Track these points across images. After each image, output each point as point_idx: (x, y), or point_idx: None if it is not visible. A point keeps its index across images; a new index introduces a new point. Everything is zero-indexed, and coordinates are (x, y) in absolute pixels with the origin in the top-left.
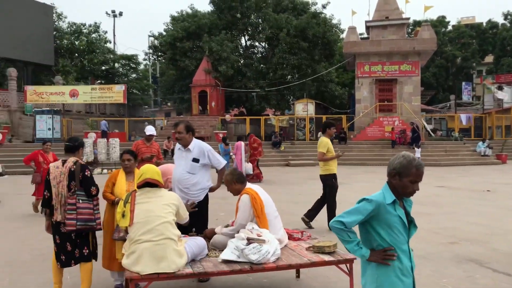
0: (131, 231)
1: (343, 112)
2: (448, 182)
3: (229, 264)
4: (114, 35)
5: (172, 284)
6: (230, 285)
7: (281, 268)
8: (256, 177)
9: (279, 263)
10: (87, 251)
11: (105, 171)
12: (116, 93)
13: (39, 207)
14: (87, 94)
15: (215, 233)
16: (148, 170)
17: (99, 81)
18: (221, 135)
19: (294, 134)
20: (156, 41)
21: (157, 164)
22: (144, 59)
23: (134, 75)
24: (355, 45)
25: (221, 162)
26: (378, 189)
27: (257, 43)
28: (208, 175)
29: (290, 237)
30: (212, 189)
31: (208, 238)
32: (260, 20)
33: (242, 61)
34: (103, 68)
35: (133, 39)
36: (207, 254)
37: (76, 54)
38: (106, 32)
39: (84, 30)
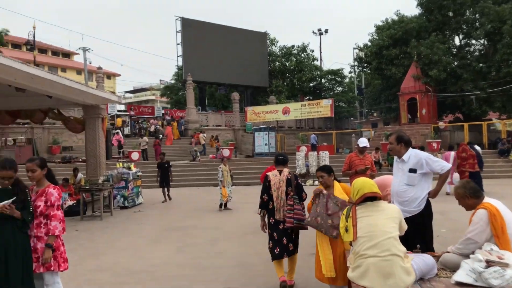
0: (355, 245)
1: None
2: None
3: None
4: (320, 52)
5: None
6: None
7: None
8: None
9: None
10: (296, 246)
11: (316, 182)
12: (323, 108)
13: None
14: (297, 110)
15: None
16: (365, 185)
17: (307, 97)
18: (434, 145)
19: None
20: (361, 53)
21: (372, 177)
22: (350, 72)
23: (339, 88)
24: None
25: (445, 165)
26: None
27: (473, 41)
28: (429, 185)
29: None
30: (430, 194)
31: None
32: (477, 15)
33: (456, 63)
34: (311, 84)
35: (338, 53)
36: (436, 274)
37: (287, 74)
38: (313, 50)
39: (294, 51)
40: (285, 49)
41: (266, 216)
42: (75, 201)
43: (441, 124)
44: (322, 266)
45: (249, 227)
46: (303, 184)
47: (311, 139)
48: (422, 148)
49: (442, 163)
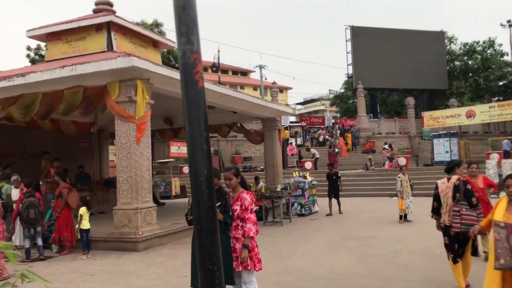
0: None
1: None
2: None
3: None
4: (511, 46)
5: None
6: None
7: None
8: None
9: None
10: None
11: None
12: None
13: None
14: (485, 113)
15: None
16: None
17: (496, 98)
18: None
19: None
20: None
21: None
22: None
23: None
24: None
25: None
26: None
27: None
28: None
29: None
30: None
31: None
32: None
33: None
34: (500, 83)
35: None
36: None
37: (470, 74)
38: (501, 45)
39: (478, 48)
40: (467, 47)
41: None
42: (257, 207)
43: None
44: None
45: (435, 241)
46: (494, 196)
47: (503, 145)
48: None
49: None
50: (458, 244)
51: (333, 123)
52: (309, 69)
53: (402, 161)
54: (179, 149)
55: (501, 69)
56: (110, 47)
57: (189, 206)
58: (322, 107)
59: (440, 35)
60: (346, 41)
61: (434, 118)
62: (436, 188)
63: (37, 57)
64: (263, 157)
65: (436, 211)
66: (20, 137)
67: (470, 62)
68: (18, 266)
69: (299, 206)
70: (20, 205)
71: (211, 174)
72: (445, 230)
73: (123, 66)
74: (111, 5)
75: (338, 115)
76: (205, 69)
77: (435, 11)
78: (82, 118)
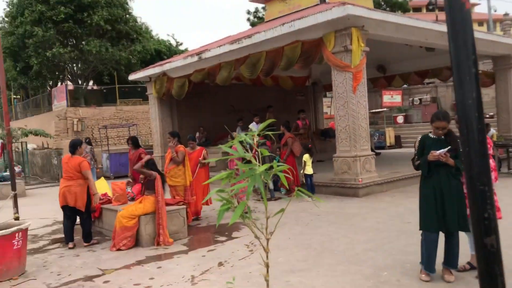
0: None
1: None
2: None
3: None
4: None
5: None
6: None
7: None
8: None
9: None
10: None
11: None
12: None
13: None
14: None
15: None
16: None
17: None
18: None
19: None
20: None
21: None
22: None
23: None
24: None
25: None
26: None
27: None
28: None
29: None
30: None
31: None
32: None
33: None
34: None
35: None
36: None
37: None
38: None
39: None
40: None
41: None
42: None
43: None
44: None
45: None
46: None
47: None
48: None
49: None
50: None
51: None
52: None
53: None
54: (392, 98)
55: None
56: (322, 0)
57: (415, 151)
58: None
59: None
60: None
61: None
62: None
63: (256, 19)
64: (492, 102)
65: None
66: (248, 94)
67: None
68: (256, 203)
69: None
70: None
71: (480, 97)
72: None
73: (338, 16)
74: None
75: None
76: (419, 9)
77: None
78: (298, 72)
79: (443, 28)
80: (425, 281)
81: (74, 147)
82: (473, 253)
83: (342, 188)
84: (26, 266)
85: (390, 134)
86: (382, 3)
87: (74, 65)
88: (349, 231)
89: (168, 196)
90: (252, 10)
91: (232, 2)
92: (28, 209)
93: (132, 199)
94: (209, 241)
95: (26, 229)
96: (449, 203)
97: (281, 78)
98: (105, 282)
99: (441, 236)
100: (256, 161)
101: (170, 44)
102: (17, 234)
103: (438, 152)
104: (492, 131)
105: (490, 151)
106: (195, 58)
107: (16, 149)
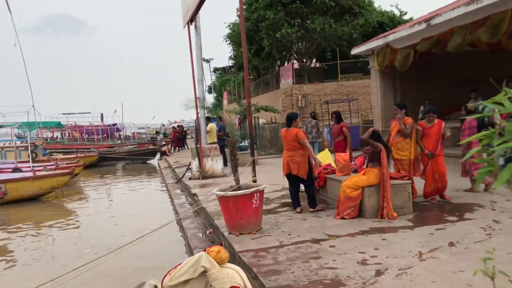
0: None
1: None
2: None
3: None
4: None
5: None
6: None
7: None
8: None
9: None
10: None
11: None
12: None
13: None
14: None
15: None
16: None
17: None
18: None
19: None
20: None
21: None
22: None
23: None
24: None
25: None
26: None
27: None
28: None
29: None
30: None
31: None
32: None
33: None
34: None
35: None
36: None
37: None
38: None
39: None
40: None
41: None
42: None
43: None
44: None
45: None
46: None
47: None
48: None
49: None
50: None
51: None
52: None
53: None
54: None
55: None
56: None
57: None
58: None
59: None
60: None
61: None
62: None
63: None
64: None
65: None
66: (483, 62)
67: None
68: None
69: None
70: None
71: None
72: None
73: None
74: None
75: None
76: None
77: None
78: None
79: None
80: None
81: (290, 120)
82: None
83: None
84: (262, 223)
85: None
86: None
87: (300, 44)
88: None
89: (391, 170)
90: None
91: None
92: (260, 175)
93: (355, 171)
94: (436, 219)
95: (263, 191)
96: None
97: None
98: (331, 246)
99: None
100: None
101: (394, 15)
102: (255, 194)
103: None
104: None
105: None
106: (423, 26)
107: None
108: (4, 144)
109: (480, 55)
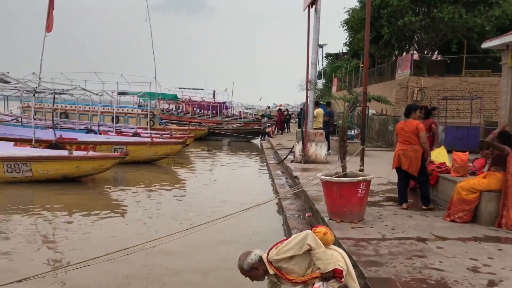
0: None
1: None
2: None
3: None
4: None
5: None
6: None
7: None
8: None
9: None
10: None
11: None
12: None
13: None
14: None
15: None
16: None
17: None
18: None
19: None
20: None
21: None
22: None
23: None
24: None
25: None
26: None
27: None
28: None
29: None
30: None
31: None
32: None
33: None
34: None
35: None
36: None
37: None
38: None
39: None
40: None
41: None
42: None
43: None
44: None
45: None
46: None
47: None
48: None
49: None
50: None
51: None
52: None
53: None
54: None
55: None
56: None
57: None
58: None
59: None
60: None
61: None
62: None
63: None
64: None
65: None
66: None
67: None
68: None
69: None
70: None
71: None
72: None
73: None
74: None
75: None
76: None
77: None
78: None
79: None
80: None
81: (409, 111)
82: None
83: None
84: (364, 214)
85: None
86: None
87: (422, 33)
88: None
89: None
90: None
91: None
92: (364, 167)
93: (473, 173)
94: None
95: (370, 181)
96: None
97: None
98: (438, 247)
99: None
100: None
101: None
102: (362, 184)
103: None
104: None
105: None
106: None
107: (359, 113)
108: (127, 110)
109: None
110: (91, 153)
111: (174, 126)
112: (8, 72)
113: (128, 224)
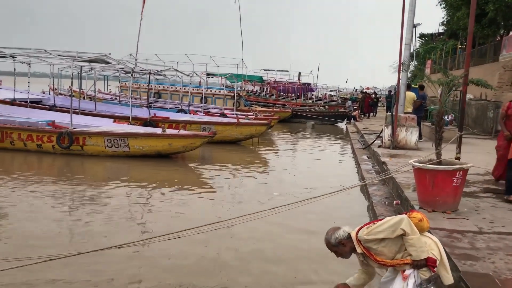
0: None
1: None
2: None
3: None
4: None
5: None
6: None
7: None
8: None
9: None
10: None
11: None
12: None
13: None
14: None
15: None
16: None
17: None
18: None
19: None
20: None
21: None
22: None
23: None
24: None
25: None
26: None
27: None
28: None
29: None
30: None
31: None
32: None
33: None
34: None
35: None
36: None
37: None
38: None
39: None
40: None
41: None
42: None
43: None
44: None
45: None
46: None
47: None
48: None
49: None
50: None
51: None
52: None
53: None
54: None
55: None
56: None
57: None
58: None
59: None
60: None
61: None
62: None
63: None
64: None
65: None
66: None
67: None
68: None
69: None
70: None
71: None
72: None
73: None
74: None
75: None
76: None
77: None
78: None
79: None
80: None
81: None
82: None
83: None
84: (459, 205)
85: None
86: None
87: None
88: None
89: None
90: None
91: None
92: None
93: None
94: None
95: (467, 170)
96: None
97: None
98: None
99: None
100: None
101: None
102: (457, 173)
103: None
104: None
105: None
106: None
107: (455, 98)
108: (215, 91)
109: None
110: (182, 131)
111: (259, 108)
112: (110, 54)
113: (215, 199)
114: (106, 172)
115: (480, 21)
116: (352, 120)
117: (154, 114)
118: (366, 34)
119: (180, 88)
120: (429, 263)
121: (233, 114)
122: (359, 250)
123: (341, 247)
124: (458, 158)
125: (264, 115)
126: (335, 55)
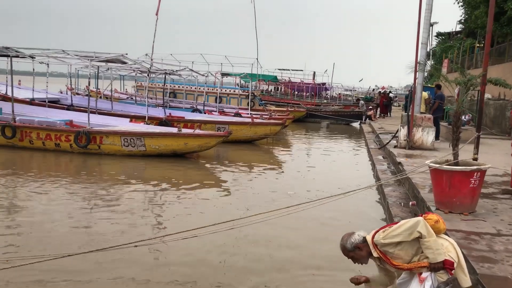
0: None
1: None
2: None
3: None
4: None
5: None
6: None
7: None
8: None
9: None
10: None
11: None
12: None
13: None
14: None
15: None
16: None
17: None
18: None
19: None
20: None
21: None
22: None
23: None
24: None
25: None
26: None
27: None
28: None
29: None
30: None
31: None
32: None
33: None
34: None
35: None
36: None
37: None
38: None
39: None
40: None
41: None
42: None
43: None
44: None
45: None
46: None
47: None
48: None
49: None
50: None
51: None
52: None
53: None
54: None
55: None
56: None
57: None
58: None
59: None
60: None
61: None
62: None
63: None
64: None
65: None
66: None
67: None
68: None
69: None
70: None
71: None
72: None
73: None
74: None
75: None
76: None
77: None
78: None
79: None
80: None
81: None
82: None
83: None
84: (476, 207)
85: None
86: None
87: None
88: None
89: None
90: None
91: None
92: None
93: None
94: None
95: (485, 171)
96: None
97: None
98: None
99: None
100: None
101: None
102: (475, 173)
103: None
104: None
105: None
106: None
107: (472, 97)
108: (230, 91)
109: None
110: (197, 131)
111: (273, 107)
112: (127, 54)
113: (230, 198)
114: (123, 171)
115: (499, 20)
116: (367, 120)
117: (170, 113)
118: (379, 35)
119: (195, 88)
120: (446, 265)
121: (248, 113)
122: (375, 254)
123: (357, 251)
124: (475, 159)
125: (278, 115)
126: (350, 54)
